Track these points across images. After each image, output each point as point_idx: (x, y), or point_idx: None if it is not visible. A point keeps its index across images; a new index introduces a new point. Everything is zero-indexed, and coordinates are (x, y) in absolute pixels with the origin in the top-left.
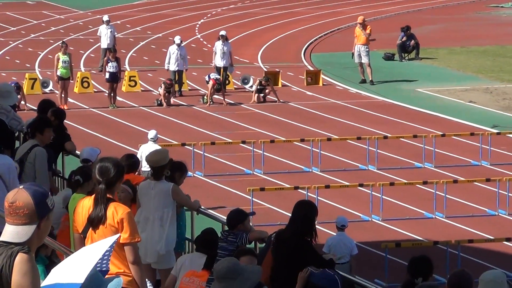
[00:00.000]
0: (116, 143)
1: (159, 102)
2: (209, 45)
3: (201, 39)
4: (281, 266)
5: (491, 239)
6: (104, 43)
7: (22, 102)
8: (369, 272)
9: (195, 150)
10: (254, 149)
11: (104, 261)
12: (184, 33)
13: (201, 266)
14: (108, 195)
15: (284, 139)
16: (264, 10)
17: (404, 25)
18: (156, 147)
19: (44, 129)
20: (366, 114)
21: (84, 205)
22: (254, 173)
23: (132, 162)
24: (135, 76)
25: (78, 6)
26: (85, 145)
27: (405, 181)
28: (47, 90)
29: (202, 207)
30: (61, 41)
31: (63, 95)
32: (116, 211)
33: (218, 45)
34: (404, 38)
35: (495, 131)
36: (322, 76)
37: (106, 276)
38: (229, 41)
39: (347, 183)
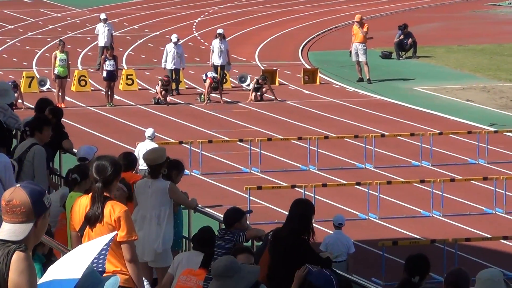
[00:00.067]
0: (113, 141)
1: (156, 101)
2: (206, 43)
3: (199, 37)
4: (278, 264)
5: (488, 237)
6: (102, 41)
7: (19, 101)
8: (366, 270)
9: (192, 148)
10: (251, 148)
11: (101, 261)
12: (181, 31)
13: (198, 264)
14: (105, 194)
15: (281, 137)
16: (262, 8)
17: (402, 24)
18: (153, 145)
19: (43, 127)
20: (363, 113)
21: (81, 204)
22: (251, 171)
23: (129, 160)
24: (132, 75)
25: (75, 4)
26: (82, 143)
27: (402, 180)
28: (44, 88)
29: (199, 205)
30: (58, 39)
31: (60, 94)
32: (113, 209)
33: (216, 43)
34: (402, 37)
35: (492, 129)
36: (319, 74)
37: (103, 275)
38: (227, 39)
39: (344, 182)
